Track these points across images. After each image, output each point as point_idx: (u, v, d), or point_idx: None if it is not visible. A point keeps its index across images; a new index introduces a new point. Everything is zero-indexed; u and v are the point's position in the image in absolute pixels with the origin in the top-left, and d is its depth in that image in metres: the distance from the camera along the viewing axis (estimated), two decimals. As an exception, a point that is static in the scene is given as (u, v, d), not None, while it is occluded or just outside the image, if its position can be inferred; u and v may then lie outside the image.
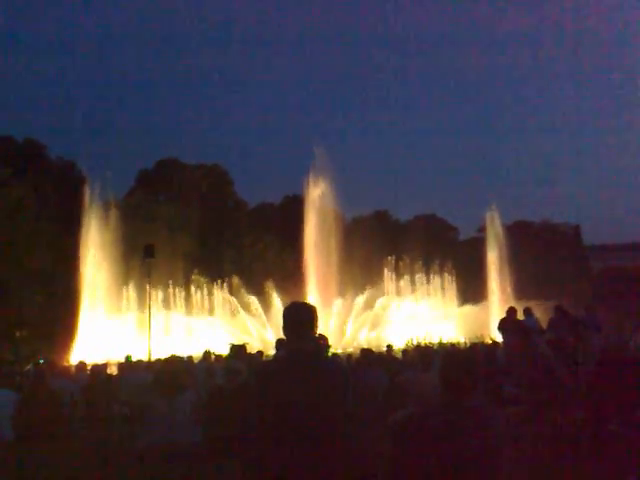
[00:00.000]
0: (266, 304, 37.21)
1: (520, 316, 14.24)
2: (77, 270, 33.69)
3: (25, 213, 37.65)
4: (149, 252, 30.30)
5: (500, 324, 14.20)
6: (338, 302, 36.20)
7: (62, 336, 31.90)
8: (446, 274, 41.77)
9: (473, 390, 3.32)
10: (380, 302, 36.54)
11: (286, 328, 3.64)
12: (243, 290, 38.14)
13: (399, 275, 40.79)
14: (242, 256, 49.87)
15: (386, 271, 40.33)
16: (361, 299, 36.48)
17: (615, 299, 33.79)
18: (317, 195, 38.76)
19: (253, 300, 37.24)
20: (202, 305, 38.84)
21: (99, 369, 12.79)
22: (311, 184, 39.10)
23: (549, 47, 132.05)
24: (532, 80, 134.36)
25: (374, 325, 35.63)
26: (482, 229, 46.52)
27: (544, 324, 14.08)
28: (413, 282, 40.59)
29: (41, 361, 19.86)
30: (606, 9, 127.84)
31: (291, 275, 40.20)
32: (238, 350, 11.75)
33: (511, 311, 14.26)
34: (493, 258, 39.94)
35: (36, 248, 37.31)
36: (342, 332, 34.32)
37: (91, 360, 17.68)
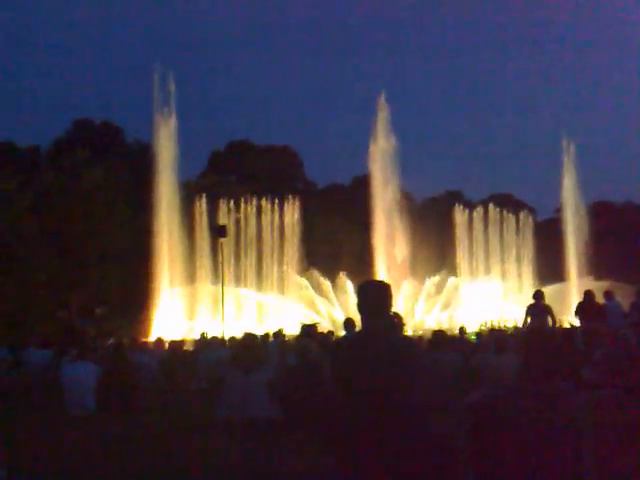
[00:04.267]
0: (335, 285, 37.32)
1: (600, 299, 14.05)
2: (151, 251, 34.72)
3: (103, 195, 38.97)
4: (221, 232, 31.07)
5: (578, 307, 14.12)
6: (407, 283, 35.74)
7: (139, 314, 33.10)
8: (523, 255, 40.62)
9: (556, 374, 3.22)
10: (451, 282, 35.86)
11: (361, 306, 3.62)
12: (313, 270, 38.34)
13: (472, 256, 39.97)
14: (311, 237, 50.13)
15: (459, 252, 39.58)
16: (431, 281, 35.97)
17: None
18: (383, 175, 38.20)
19: (323, 281, 37.39)
20: (272, 285, 39.39)
21: (177, 345, 13.25)
22: (377, 164, 38.52)
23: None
24: (612, 49, 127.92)
25: (445, 306, 35.13)
26: (561, 209, 44.85)
27: (626, 308, 13.74)
28: (487, 264, 39.69)
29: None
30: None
31: (360, 256, 40.13)
32: (309, 329, 11.86)
33: (588, 294, 14.14)
34: (572, 239, 38.49)
35: (112, 229, 38.66)
36: (411, 314, 33.98)
37: (168, 337, 18.34)
